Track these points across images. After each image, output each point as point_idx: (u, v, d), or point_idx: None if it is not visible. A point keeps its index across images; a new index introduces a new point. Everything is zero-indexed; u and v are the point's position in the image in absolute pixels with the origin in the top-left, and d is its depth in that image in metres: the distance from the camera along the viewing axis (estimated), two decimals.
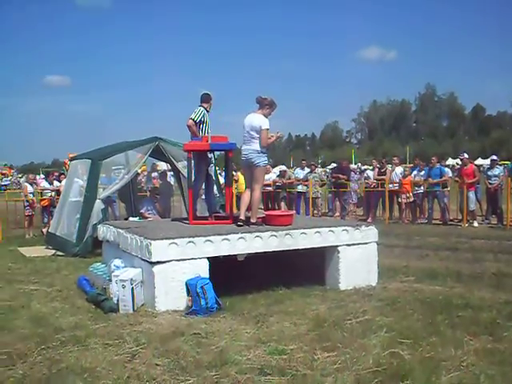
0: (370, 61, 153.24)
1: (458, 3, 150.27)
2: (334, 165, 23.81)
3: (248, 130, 7.93)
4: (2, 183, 45.69)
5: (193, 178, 8.74)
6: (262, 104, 8.03)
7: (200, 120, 8.81)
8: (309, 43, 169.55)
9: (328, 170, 25.09)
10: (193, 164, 8.64)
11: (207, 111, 8.97)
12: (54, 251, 11.99)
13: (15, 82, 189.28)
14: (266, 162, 8.15)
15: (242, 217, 7.93)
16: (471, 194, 16.24)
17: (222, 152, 9.14)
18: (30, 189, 16.27)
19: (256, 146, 7.87)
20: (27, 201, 15.78)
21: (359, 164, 49.00)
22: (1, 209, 16.61)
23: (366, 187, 18.94)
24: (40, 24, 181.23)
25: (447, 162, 37.30)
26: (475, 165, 18.86)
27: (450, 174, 18.59)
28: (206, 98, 9.05)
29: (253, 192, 8.05)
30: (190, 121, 8.79)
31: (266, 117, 7.99)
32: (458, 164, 31.75)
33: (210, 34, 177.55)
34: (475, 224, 16.03)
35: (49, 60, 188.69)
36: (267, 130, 7.86)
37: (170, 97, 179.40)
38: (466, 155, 17.61)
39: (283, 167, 21.35)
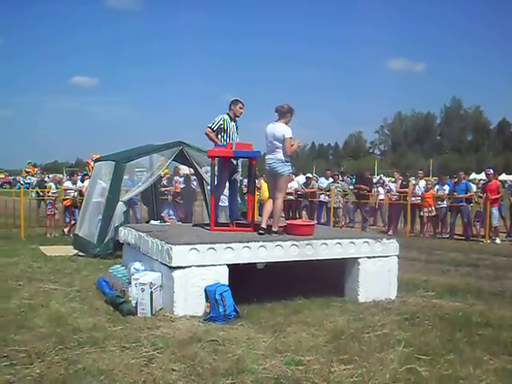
0: (397, 72, 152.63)
1: (485, 19, 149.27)
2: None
3: (271, 140, 7.94)
4: (26, 181, 46.09)
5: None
6: (282, 112, 8.04)
7: (218, 128, 8.82)
8: (337, 52, 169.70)
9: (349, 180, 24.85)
10: (216, 170, 8.64)
11: (232, 118, 8.95)
12: (76, 251, 12.06)
13: (43, 81, 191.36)
14: (290, 170, 8.16)
15: (264, 225, 7.93)
16: (494, 210, 16.10)
17: (246, 159, 9.12)
18: (53, 188, 16.42)
19: (280, 155, 7.88)
20: (50, 200, 15.92)
21: (381, 175, 48.74)
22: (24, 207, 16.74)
23: (381, 200, 18.87)
24: (71, 24, 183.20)
25: (470, 177, 37.00)
26: (499, 181, 18.69)
27: (475, 189, 18.45)
28: (231, 104, 9.03)
29: (275, 201, 8.05)
30: (208, 129, 8.81)
31: (287, 124, 8.00)
32: (482, 180, 31.45)
33: (239, 39, 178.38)
34: (497, 241, 15.90)
35: (77, 61, 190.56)
36: (291, 138, 7.87)
37: (196, 100, 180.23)
38: (491, 170, 17.44)
39: (310, 175, 21.32)
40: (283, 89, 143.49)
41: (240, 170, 9.33)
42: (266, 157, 8.07)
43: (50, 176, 44.91)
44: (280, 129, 7.90)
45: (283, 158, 7.88)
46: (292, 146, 7.95)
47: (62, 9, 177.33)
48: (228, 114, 8.94)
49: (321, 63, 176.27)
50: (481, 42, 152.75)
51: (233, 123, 8.93)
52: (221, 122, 8.83)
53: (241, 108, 8.99)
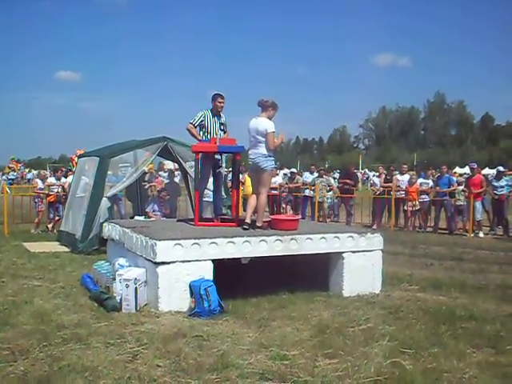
0: (382, 67, 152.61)
1: (471, 13, 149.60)
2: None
3: (254, 135, 7.93)
4: (10, 177, 45.90)
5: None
6: (265, 106, 8.02)
7: (199, 124, 8.82)
8: (321, 48, 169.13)
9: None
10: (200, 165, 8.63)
11: (214, 114, 8.92)
12: (61, 247, 12.02)
13: (26, 76, 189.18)
14: (273, 165, 8.15)
15: (248, 220, 7.92)
16: (478, 204, 16.20)
17: (230, 154, 9.09)
18: (40, 185, 16.31)
19: (263, 149, 7.86)
20: (38, 196, 15.81)
21: (366, 170, 48.91)
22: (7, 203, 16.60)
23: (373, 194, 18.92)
24: (54, 18, 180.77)
25: (454, 171, 37.18)
26: (482, 175, 18.80)
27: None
28: (212, 99, 9.01)
29: (259, 196, 8.04)
30: (189, 124, 8.83)
31: (271, 119, 7.99)
32: (465, 174, 31.62)
33: (223, 35, 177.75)
34: (481, 234, 16.00)
35: (61, 55, 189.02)
36: (273, 132, 7.86)
37: (181, 96, 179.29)
38: (475, 165, 17.55)
39: (294, 170, 21.34)
40: (269, 84, 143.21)
41: (224, 164, 9.31)
42: (249, 152, 8.06)
43: (34, 172, 44.66)
44: (263, 123, 7.89)
45: (266, 153, 7.87)
46: (275, 140, 7.94)
47: (49, 7, 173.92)
48: (211, 110, 8.92)
49: (306, 58, 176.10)
50: (465, 37, 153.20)
51: (215, 119, 8.90)
52: (202, 118, 8.82)
53: (220, 102, 8.94)
